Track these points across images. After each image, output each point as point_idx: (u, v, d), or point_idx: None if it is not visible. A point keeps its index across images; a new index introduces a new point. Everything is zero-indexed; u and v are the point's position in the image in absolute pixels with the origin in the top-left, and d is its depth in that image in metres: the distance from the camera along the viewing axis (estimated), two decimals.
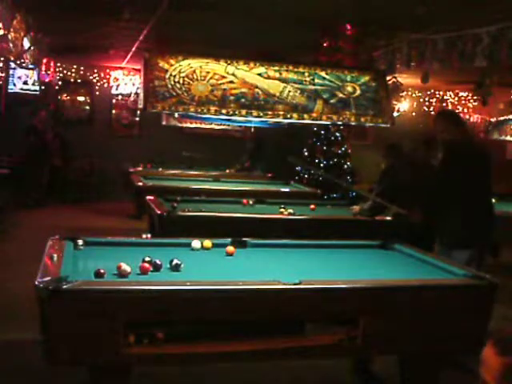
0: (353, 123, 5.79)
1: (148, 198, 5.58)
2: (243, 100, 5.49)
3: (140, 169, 9.80)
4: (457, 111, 10.45)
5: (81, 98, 11.86)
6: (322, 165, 9.87)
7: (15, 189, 9.46)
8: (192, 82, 5.43)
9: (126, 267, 2.76)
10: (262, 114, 5.54)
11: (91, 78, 11.68)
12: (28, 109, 10.34)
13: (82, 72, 11.59)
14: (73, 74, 11.55)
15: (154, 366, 3.10)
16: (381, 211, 5.10)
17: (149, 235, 4.46)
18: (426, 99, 12.26)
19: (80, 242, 3.36)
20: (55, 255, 2.89)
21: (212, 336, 2.65)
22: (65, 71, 11.45)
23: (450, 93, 12.16)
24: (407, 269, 3.40)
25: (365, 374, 3.63)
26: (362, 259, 3.62)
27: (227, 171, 10.10)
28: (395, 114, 10.23)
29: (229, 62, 5.66)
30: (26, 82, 10.40)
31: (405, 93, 11.46)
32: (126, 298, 2.48)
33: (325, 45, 7.36)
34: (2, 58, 8.64)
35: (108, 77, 11.67)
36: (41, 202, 9.98)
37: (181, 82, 5.40)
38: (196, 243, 3.51)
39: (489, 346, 1.42)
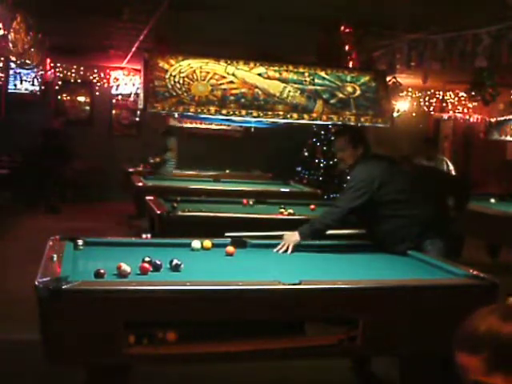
0: (353, 123, 5.77)
1: (148, 198, 5.58)
2: (243, 100, 5.49)
3: (140, 169, 9.79)
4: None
5: (81, 98, 11.86)
6: (321, 165, 9.87)
7: (15, 189, 9.46)
8: (192, 82, 5.43)
9: (125, 267, 2.76)
10: (261, 114, 5.54)
11: (91, 78, 11.66)
12: (28, 109, 10.32)
13: (81, 72, 11.57)
14: (73, 74, 11.53)
15: (154, 366, 3.10)
16: None
17: (149, 235, 4.45)
18: (426, 99, 12.25)
19: (80, 242, 3.36)
20: (55, 255, 2.89)
21: (212, 336, 2.65)
22: (65, 71, 11.43)
23: (450, 93, 12.15)
24: (407, 269, 3.40)
25: (364, 374, 3.62)
26: (361, 259, 3.62)
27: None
28: (395, 114, 10.22)
29: (229, 62, 5.66)
30: (26, 82, 10.39)
31: (405, 93, 11.45)
32: (126, 298, 2.48)
33: (325, 45, 7.36)
34: (2, 58, 8.63)
35: (108, 77, 11.65)
36: (56, 205, 9.75)
37: (181, 82, 5.40)
38: (196, 243, 3.51)
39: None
